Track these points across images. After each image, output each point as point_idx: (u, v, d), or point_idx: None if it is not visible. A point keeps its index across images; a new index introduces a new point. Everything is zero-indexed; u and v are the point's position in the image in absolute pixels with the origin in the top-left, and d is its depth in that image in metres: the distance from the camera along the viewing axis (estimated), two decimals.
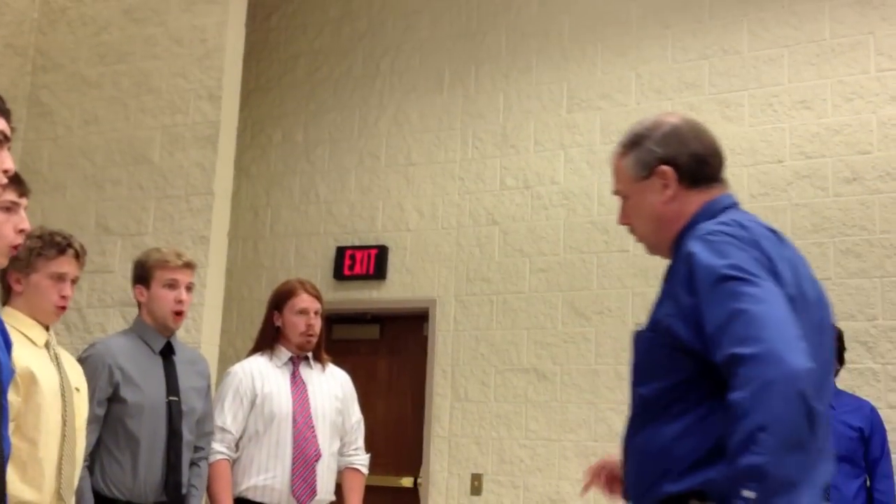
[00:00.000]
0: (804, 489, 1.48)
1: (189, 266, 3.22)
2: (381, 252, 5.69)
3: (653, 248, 1.94)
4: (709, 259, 1.66)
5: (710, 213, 1.82)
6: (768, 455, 1.44)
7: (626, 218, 1.95)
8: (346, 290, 5.77)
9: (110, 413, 3.02)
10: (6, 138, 1.85)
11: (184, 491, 3.14)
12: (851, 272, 4.67)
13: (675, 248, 1.81)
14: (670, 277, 1.76)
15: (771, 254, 1.71)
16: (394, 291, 5.67)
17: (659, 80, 5.26)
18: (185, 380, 3.20)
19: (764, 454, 1.45)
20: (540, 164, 5.39)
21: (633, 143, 1.92)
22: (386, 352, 5.76)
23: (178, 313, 3.19)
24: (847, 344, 4.16)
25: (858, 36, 4.86)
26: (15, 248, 2.17)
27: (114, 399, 3.02)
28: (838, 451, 3.83)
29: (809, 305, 1.76)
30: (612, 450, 1.61)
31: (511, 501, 5.13)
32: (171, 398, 3.12)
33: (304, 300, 3.44)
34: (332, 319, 5.60)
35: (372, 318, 5.79)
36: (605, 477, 2.01)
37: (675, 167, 1.85)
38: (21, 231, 2.17)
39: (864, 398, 4.20)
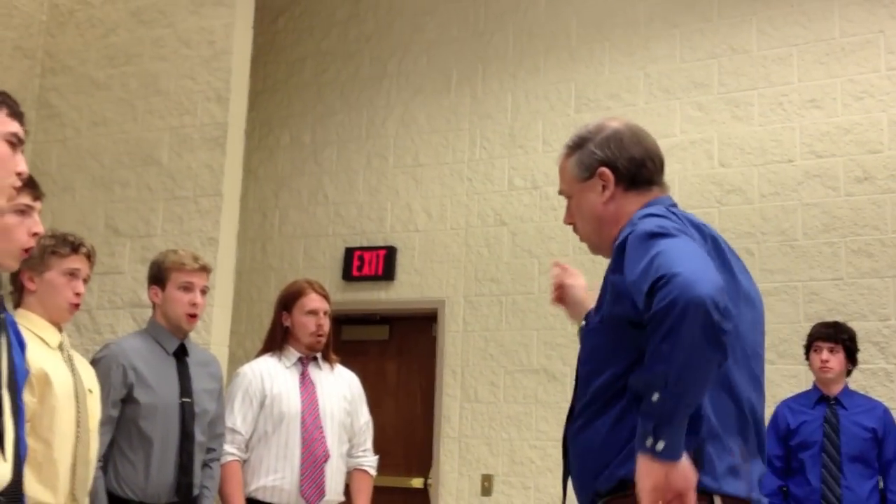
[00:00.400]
0: (691, 405, 1.60)
1: (205, 269, 3.24)
2: (390, 253, 5.69)
3: (595, 248, 2.03)
4: (636, 231, 1.76)
5: (638, 217, 1.88)
6: (670, 365, 1.56)
7: (570, 217, 2.04)
8: (355, 291, 5.76)
9: (124, 414, 3.02)
10: (20, 141, 1.86)
11: (196, 492, 3.15)
12: (863, 272, 4.64)
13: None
14: (609, 270, 1.84)
15: (696, 234, 1.81)
16: (402, 292, 5.67)
17: (667, 79, 5.24)
18: (198, 381, 3.20)
19: (666, 364, 1.56)
20: (548, 164, 5.38)
21: (577, 145, 2.00)
22: (395, 352, 5.76)
23: (192, 316, 3.19)
24: (860, 344, 4.13)
25: (868, 34, 4.84)
26: (26, 251, 2.18)
27: (127, 400, 3.02)
28: (852, 452, 3.82)
29: (739, 297, 1.85)
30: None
31: (521, 502, 5.11)
32: (184, 400, 3.12)
33: (313, 300, 3.44)
34: (341, 320, 5.60)
35: (381, 318, 5.78)
36: (560, 289, 2.23)
37: (614, 170, 1.94)
38: (34, 234, 2.18)
39: (878, 399, 4.18)
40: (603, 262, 1.92)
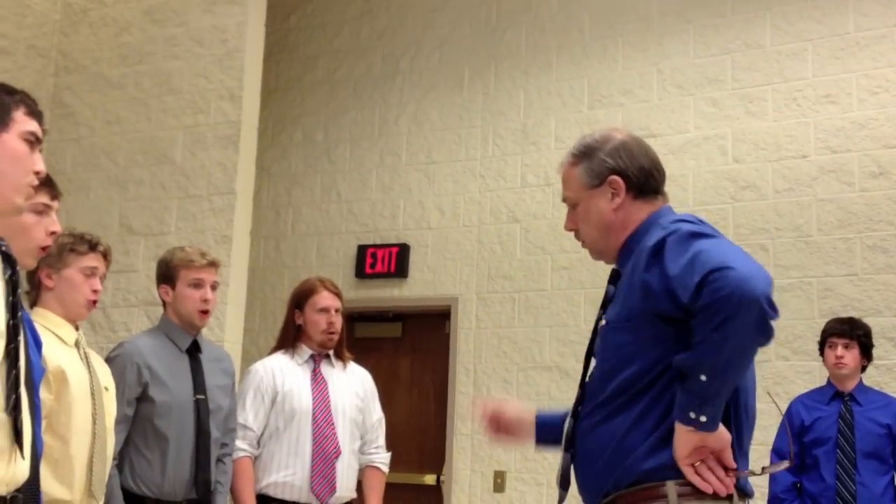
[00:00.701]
0: (734, 385, 1.77)
1: (213, 265, 3.23)
2: (403, 250, 5.69)
3: (599, 254, 2.09)
4: (679, 232, 1.85)
5: (654, 222, 1.97)
6: (721, 353, 1.70)
7: (573, 224, 2.09)
8: (368, 289, 5.77)
9: (139, 412, 3.03)
10: (38, 140, 1.88)
11: (212, 488, 3.16)
12: (878, 268, 4.61)
13: (622, 254, 2.01)
14: (630, 272, 1.93)
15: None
16: (415, 289, 5.67)
17: (681, 75, 5.22)
18: (212, 378, 3.21)
19: (718, 352, 1.70)
20: (561, 160, 5.36)
21: (585, 153, 2.06)
22: (408, 350, 5.77)
23: (204, 312, 3.20)
24: (874, 340, 4.11)
25: (883, 29, 4.81)
26: (43, 249, 2.20)
27: (142, 398, 3.03)
28: (866, 448, 3.80)
29: None
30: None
31: (535, 499, 5.11)
32: (198, 396, 3.14)
33: (324, 298, 3.45)
34: (354, 318, 5.61)
35: (394, 316, 5.79)
36: (494, 421, 2.25)
37: (625, 178, 2.00)
38: (52, 233, 2.20)
39: (893, 395, 4.16)
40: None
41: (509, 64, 5.67)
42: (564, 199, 2.10)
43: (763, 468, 1.89)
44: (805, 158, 4.86)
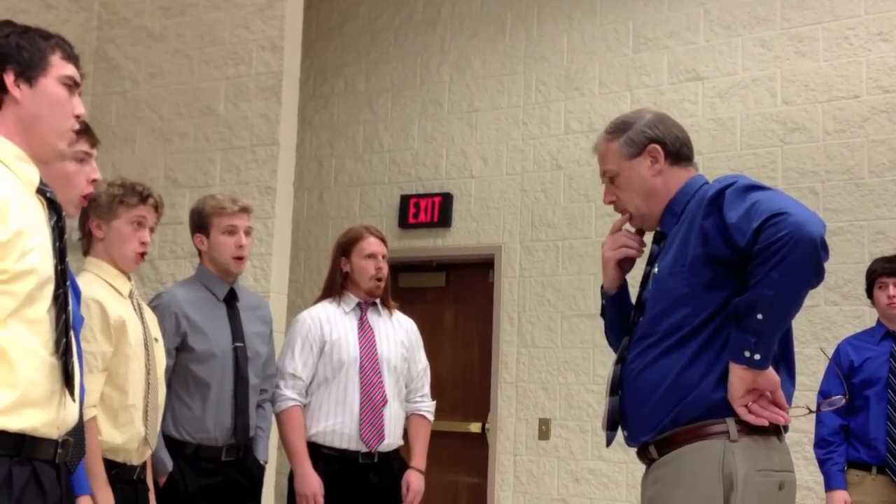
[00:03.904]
0: (787, 324, 1.93)
1: (245, 210, 3.23)
2: (446, 200, 5.68)
3: (641, 219, 2.20)
4: (737, 184, 1.98)
5: (693, 188, 2.12)
6: (778, 291, 1.82)
7: (611, 195, 2.21)
8: (411, 239, 5.78)
9: (179, 361, 3.07)
10: (76, 84, 1.88)
11: (251, 433, 3.21)
12: None
13: (665, 216, 2.14)
14: (688, 223, 2.04)
15: None
16: (459, 239, 5.66)
17: (729, 15, 5.09)
18: (249, 325, 3.24)
19: (775, 290, 1.82)
20: (605, 106, 5.29)
21: (621, 128, 2.19)
22: (452, 299, 5.78)
23: (239, 258, 3.21)
24: None
25: None
26: (85, 197, 2.21)
27: (182, 348, 3.07)
28: None
29: None
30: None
31: (579, 446, 5.13)
32: (236, 344, 3.16)
33: (371, 244, 3.45)
34: (398, 268, 5.63)
35: (437, 265, 5.80)
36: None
37: (663, 145, 2.15)
38: (93, 181, 2.21)
39: None
40: None
41: (552, 8, 5.57)
42: (603, 174, 2.22)
43: (819, 405, 2.04)
44: (856, 99, 4.73)
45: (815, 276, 1.84)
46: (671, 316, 2.00)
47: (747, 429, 1.93)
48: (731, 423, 1.93)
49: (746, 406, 1.91)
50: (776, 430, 1.99)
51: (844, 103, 4.75)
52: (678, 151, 2.16)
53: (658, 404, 1.99)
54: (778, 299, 1.83)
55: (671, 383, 1.97)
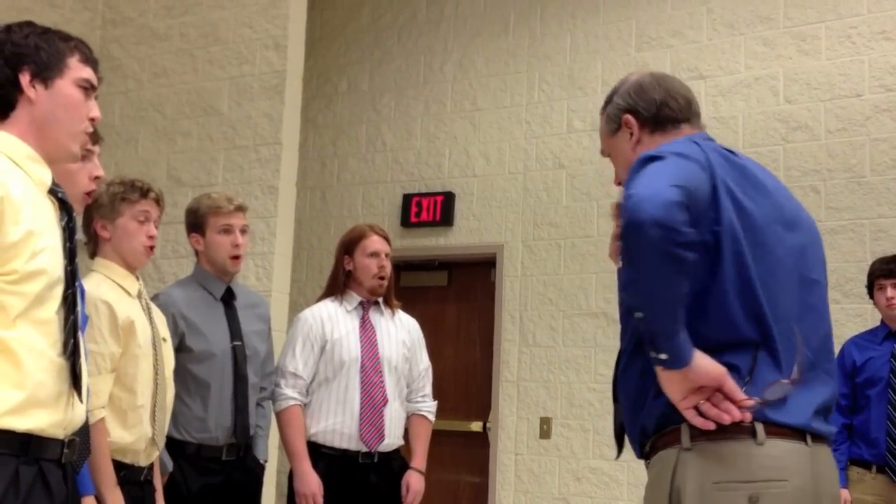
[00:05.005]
0: (670, 317, 1.63)
1: (241, 209, 3.22)
2: (448, 198, 5.68)
3: None
4: (637, 160, 1.78)
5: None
6: (637, 287, 1.63)
7: (617, 178, 2.03)
8: (414, 238, 5.79)
9: (178, 362, 3.03)
10: (93, 87, 1.89)
11: (252, 432, 3.21)
12: None
13: None
14: None
15: (716, 159, 1.80)
16: (461, 237, 5.67)
17: (731, 14, 5.09)
18: (247, 324, 3.23)
19: (635, 287, 1.64)
20: None
21: (606, 102, 2.05)
22: (454, 298, 5.79)
23: (236, 257, 3.20)
24: None
25: None
26: (88, 194, 2.22)
27: (180, 349, 3.05)
28: None
29: (777, 221, 1.83)
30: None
31: (580, 444, 5.14)
32: (235, 343, 3.16)
33: (375, 242, 3.44)
34: (400, 267, 5.63)
35: (440, 264, 5.80)
36: None
37: (635, 114, 1.97)
38: (96, 178, 2.22)
39: None
40: None
41: (555, 7, 5.57)
42: (602, 153, 2.11)
43: (764, 394, 1.69)
44: (859, 97, 4.73)
45: (663, 261, 1.59)
46: (629, 318, 1.81)
47: (708, 433, 1.67)
48: (683, 429, 1.70)
49: (697, 407, 1.67)
50: (751, 430, 1.68)
51: (847, 102, 4.75)
52: (655, 117, 1.96)
53: (631, 416, 1.85)
54: (643, 295, 1.62)
55: (635, 393, 1.81)
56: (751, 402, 1.67)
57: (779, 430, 1.69)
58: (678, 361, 1.64)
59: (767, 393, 1.69)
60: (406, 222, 5.77)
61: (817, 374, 1.79)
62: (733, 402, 1.66)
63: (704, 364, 1.66)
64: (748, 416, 1.67)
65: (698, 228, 1.65)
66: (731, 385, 1.67)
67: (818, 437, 1.75)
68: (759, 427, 1.68)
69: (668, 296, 1.62)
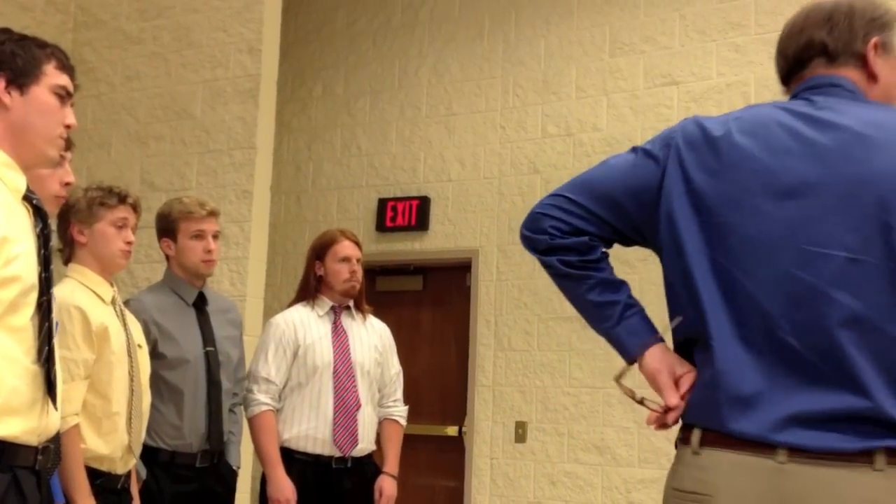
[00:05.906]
0: (588, 314, 1.75)
1: (213, 214, 3.20)
2: (423, 203, 5.69)
3: None
4: None
5: None
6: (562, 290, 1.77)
7: None
8: (389, 242, 5.79)
9: (150, 368, 3.04)
10: (69, 94, 1.88)
11: (225, 438, 3.19)
12: None
13: None
14: None
15: (677, 137, 1.67)
16: (436, 242, 5.68)
17: (703, 20, 5.14)
18: (220, 329, 3.22)
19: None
20: (582, 110, 5.33)
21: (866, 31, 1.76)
22: (429, 303, 5.79)
23: (208, 262, 3.18)
24: None
25: None
26: (59, 199, 2.21)
27: (153, 355, 3.02)
28: None
29: (772, 192, 1.55)
30: (656, 397, 1.64)
31: (556, 448, 5.16)
32: (207, 349, 3.14)
33: (346, 247, 3.45)
34: (376, 271, 5.63)
35: (415, 269, 5.81)
36: None
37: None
38: (66, 184, 2.21)
39: None
40: None
41: (530, 12, 5.60)
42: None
43: (643, 400, 1.63)
44: None
45: (547, 268, 1.73)
46: None
47: (683, 436, 1.58)
48: (683, 427, 1.63)
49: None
50: (685, 439, 1.55)
51: None
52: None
53: None
54: (568, 298, 1.74)
55: None
56: (673, 402, 1.57)
57: (723, 439, 1.48)
58: (624, 356, 1.68)
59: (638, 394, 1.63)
60: (381, 227, 5.77)
61: (816, 377, 1.45)
62: (665, 399, 1.58)
63: (648, 360, 1.61)
64: (670, 418, 1.58)
65: (635, 223, 1.68)
66: (662, 384, 1.58)
67: (811, 455, 1.42)
68: (696, 434, 1.52)
69: (572, 299, 1.73)
